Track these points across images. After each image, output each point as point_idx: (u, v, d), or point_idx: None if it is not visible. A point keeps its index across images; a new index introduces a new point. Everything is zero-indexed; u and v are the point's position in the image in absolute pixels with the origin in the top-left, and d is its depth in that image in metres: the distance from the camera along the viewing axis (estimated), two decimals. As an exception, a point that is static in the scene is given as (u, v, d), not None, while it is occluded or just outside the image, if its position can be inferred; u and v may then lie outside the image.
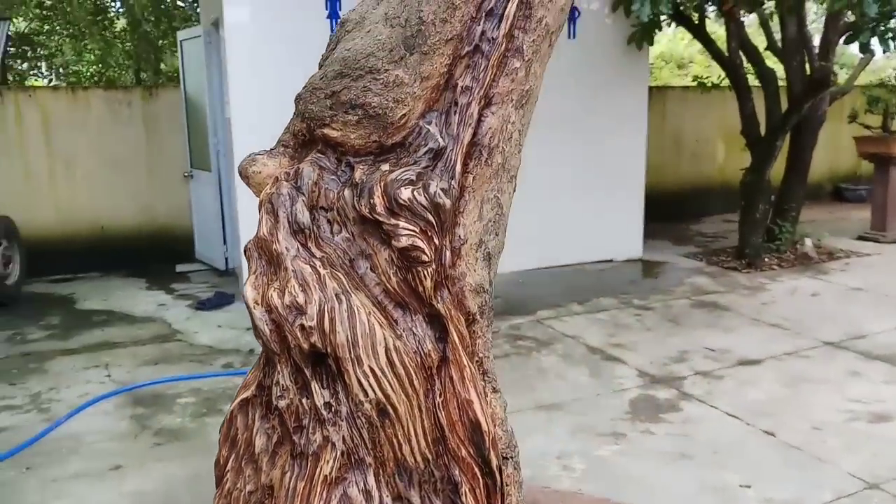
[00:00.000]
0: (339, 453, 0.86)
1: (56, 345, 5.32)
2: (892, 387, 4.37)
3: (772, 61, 7.84)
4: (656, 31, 7.26)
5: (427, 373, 0.86)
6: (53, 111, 7.41)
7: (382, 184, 0.84)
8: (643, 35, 7.05)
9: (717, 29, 10.74)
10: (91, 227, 7.62)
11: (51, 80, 14.49)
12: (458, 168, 0.88)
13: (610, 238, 7.66)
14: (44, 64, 14.66)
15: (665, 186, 9.91)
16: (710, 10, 7.69)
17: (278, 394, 0.88)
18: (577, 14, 7.04)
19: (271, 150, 0.96)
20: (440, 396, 0.87)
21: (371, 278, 0.87)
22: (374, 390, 0.84)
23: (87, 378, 4.64)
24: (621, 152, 7.54)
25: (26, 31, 13.27)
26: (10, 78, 12.07)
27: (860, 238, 8.50)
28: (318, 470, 0.84)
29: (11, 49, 12.08)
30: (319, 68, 0.97)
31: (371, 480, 0.85)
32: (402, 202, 0.85)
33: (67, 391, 4.43)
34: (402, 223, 0.84)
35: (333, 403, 0.85)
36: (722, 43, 7.71)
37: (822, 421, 3.94)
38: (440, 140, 0.86)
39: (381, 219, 0.85)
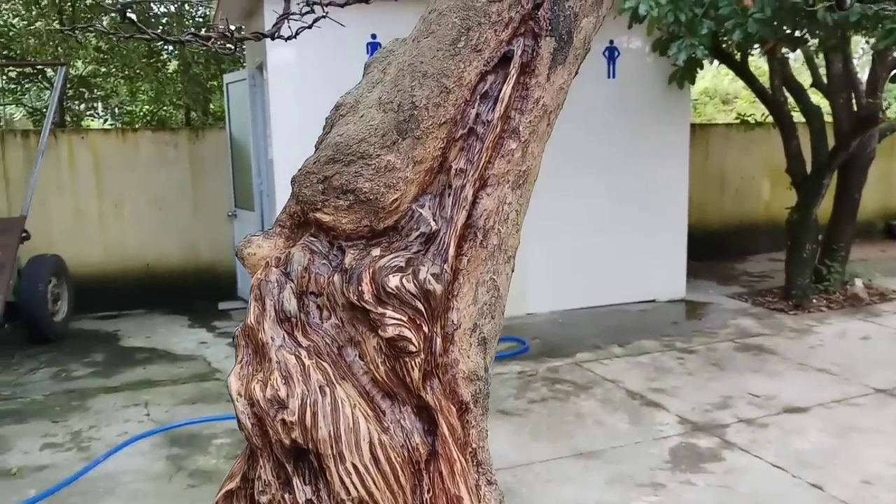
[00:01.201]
0: None
1: (99, 382, 5.41)
2: (949, 439, 4.18)
3: (818, 98, 7.70)
4: (698, 69, 7.19)
5: (415, 468, 0.84)
6: (104, 152, 7.65)
7: (371, 270, 0.83)
8: (684, 74, 6.99)
9: (761, 65, 10.62)
10: (137, 264, 7.79)
11: (106, 120, 14.96)
12: (452, 251, 0.87)
13: (652, 277, 7.54)
14: (100, 104, 15.17)
15: (709, 224, 9.76)
16: (753, 48, 7.60)
17: (260, 489, 0.87)
18: (617, 54, 7.04)
19: (268, 230, 0.97)
20: (428, 493, 0.84)
21: (359, 366, 0.85)
22: (356, 488, 0.82)
23: (127, 417, 4.70)
24: (663, 190, 7.45)
25: (84, 73, 13.78)
26: (68, 119, 12.53)
27: (914, 278, 8.22)
28: None
29: (70, 91, 12.55)
30: (315, 150, 0.98)
31: None
32: (390, 290, 0.83)
33: (107, 429, 4.49)
34: (389, 312, 0.82)
35: (315, 501, 0.83)
36: (766, 80, 7.61)
37: (873, 474, 3.78)
38: (432, 224, 0.85)
39: (368, 307, 0.83)
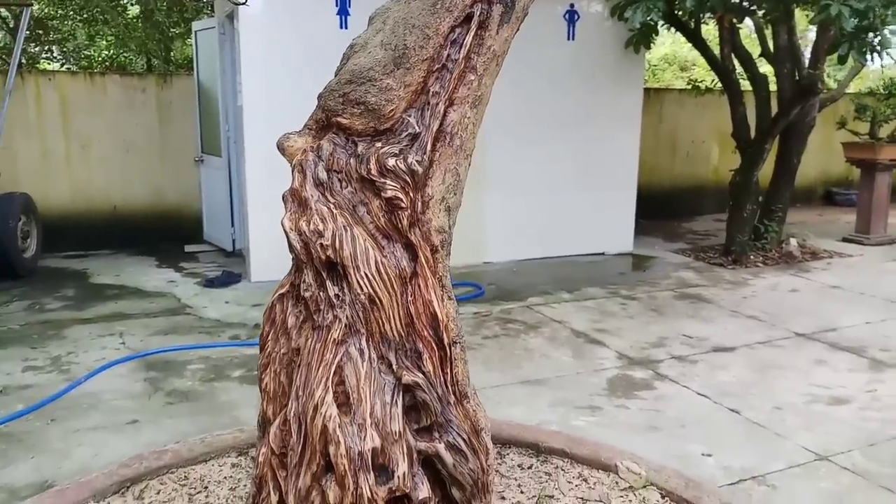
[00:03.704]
0: (343, 325, 1.22)
1: (72, 314, 5.64)
2: (854, 374, 4.68)
3: (767, 68, 8.14)
4: (654, 35, 7.56)
5: (402, 281, 1.24)
6: (71, 95, 7.74)
7: (376, 156, 1.23)
8: (640, 39, 7.36)
9: (716, 33, 11.01)
10: (104, 206, 7.95)
11: (63, 64, 14.77)
12: (429, 147, 1.25)
13: (603, 232, 7.98)
14: (55, 48, 14.95)
15: (660, 186, 10.23)
16: (706, 16, 7.99)
17: (304, 288, 1.24)
18: (577, 17, 7.35)
19: (299, 131, 1.33)
20: (411, 296, 1.24)
21: (367, 219, 1.24)
22: (367, 287, 1.20)
23: (103, 344, 4.96)
24: (616, 150, 7.85)
25: (40, 15, 13.57)
26: (23, 61, 12.37)
27: (844, 240, 8.81)
28: (329, 336, 1.20)
29: (27, 33, 12.39)
30: (335, 76, 1.34)
31: (364, 343, 1.22)
32: (389, 168, 1.23)
33: (85, 355, 4.75)
34: (388, 182, 1.22)
35: (340, 294, 1.20)
36: (718, 48, 8.02)
37: (784, 402, 4.24)
38: (416, 128, 1.24)
39: (374, 178, 1.23)
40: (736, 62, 7.85)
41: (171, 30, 13.13)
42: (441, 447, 1.29)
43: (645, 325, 5.62)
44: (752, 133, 7.84)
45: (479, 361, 4.79)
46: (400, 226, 1.29)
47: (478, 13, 1.36)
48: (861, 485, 3.31)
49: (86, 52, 15.13)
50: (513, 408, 4.10)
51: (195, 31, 8.11)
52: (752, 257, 7.69)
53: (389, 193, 1.27)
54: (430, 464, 1.30)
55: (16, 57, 7.25)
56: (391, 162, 1.28)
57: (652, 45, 7.97)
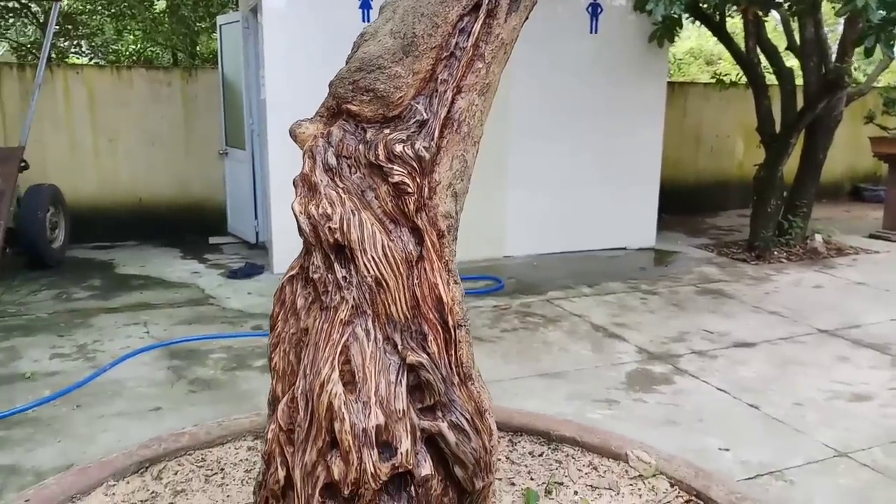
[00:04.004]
0: (350, 307, 1.26)
1: (98, 303, 5.75)
2: (876, 371, 4.63)
3: (794, 62, 8.05)
4: (678, 28, 7.51)
5: (409, 264, 1.27)
6: (98, 89, 7.86)
7: (384, 142, 1.26)
8: (664, 32, 7.31)
9: (741, 27, 10.90)
10: (131, 198, 8.07)
11: (91, 58, 14.99)
12: (437, 134, 1.29)
13: (625, 227, 7.95)
14: (84, 42, 15.17)
15: (683, 180, 10.17)
16: (731, 8, 7.91)
17: (313, 270, 1.28)
18: (599, 10, 7.32)
19: (311, 118, 1.37)
20: (417, 279, 1.27)
21: (375, 203, 1.28)
22: (374, 270, 1.24)
23: (128, 333, 5.05)
24: (639, 145, 7.82)
25: (69, 10, 13.78)
26: (53, 55, 12.58)
27: (871, 236, 8.69)
28: (336, 317, 1.24)
29: (56, 27, 12.59)
30: (346, 64, 1.38)
31: (370, 324, 1.25)
32: (396, 154, 1.26)
33: (110, 343, 4.84)
34: (395, 167, 1.26)
35: (348, 276, 1.24)
36: (743, 41, 7.94)
37: (805, 398, 4.21)
38: (424, 115, 1.27)
39: (382, 164, 1.27)
40: (762, 55, 7.77)
41: (197, 24, 13.27)
42: (444, 426, 1.31)
43: (665, 319, 5.60)
44: (777, 127, 7.76)
45: (497, 354, 4.81)
46: (406, 210, 1.32)
47: (486, 2, 1.38)
48: (881, 482, 3.29)
49: (113, 47, 15.34)
50: (530, 400, 4.11)
51: (219, 26, 8.19)
52: (775, 253, 7.62)
53: (396, 178, 1.30)
54: (433, 443, 1.32)
55: (45, 51, 7.38)
56: (398, 148, 1.31)
57: (676, 38, 7.91)
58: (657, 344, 5.06)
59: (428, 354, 1.28)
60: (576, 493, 1.95)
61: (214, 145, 8.20)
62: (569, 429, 2.27)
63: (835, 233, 8.41)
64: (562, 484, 1.98)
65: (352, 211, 1.28)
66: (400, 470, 1.25)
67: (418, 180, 1.30)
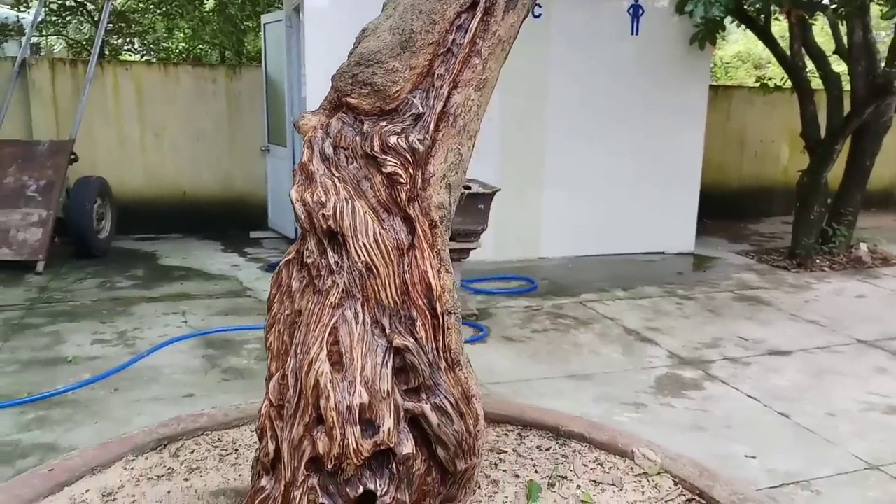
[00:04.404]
0: (340, 290, 1.31)
1: (140, 293, 5.92)
2: (916, 384, 4.52)
3: (842, 66, 7.87)
4: (720, 31, 7.41)
5: (400, 252, 1.32)
6: (146, 84, 8.08)
7: (380, 133, 1.32)
8: (706, 35, 7.23)
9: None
10: (175, 192, 8.28)
11: (142, 56, 15.38)
12: (432, 127, 1.34)
13: (663, 231, 7.87)
14: (136, 40, 15.57)
15: (726, 185, 10.02)
16: (776, 11, 7.78)
17: (307, 255, 1.34)
18: (641, 11, 7.27)
19: (315, 111, 1.43)
20: (407, 266, 1.32)
21: (370, 193, 1.33)
22: (365, 256, 1.29)
23: (167, 322, 5.20)
24: (679, 148, 7.74)
25: (122, 8, 14.16)
26: (107, 52, 12.95)
27: (920, 247, 8.45)
28: (327, 299, 1.29)
29: (109, 25, 12.95)
30: (347, 59, 1.43)
31: (359, 307, 1.30)
32: (391, 145, 1.32)
33: (149, 331, 4.99)
34: (389, 158, 1.31)
35: (339, 261, 1.29)
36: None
37: (838, 409, 4.13)
38: (420, 108, 1.32)
39: (377, 155, 1.33)
40: (808, 59, 7.62)
41: (244, 23, 13.52)
42: (427, 408, 1.35)
43: (700, 325, 5.54)
44: (823, 133, 7.60)
45: (526, 354, 4.83)
46: (399, 200, 1.36)
47: (483, 0, 1.42)
48: (911, 495, 3.22)
49: (164, 45, 15.72)
50: (557, 401, 4.11)
51: (264, 24, 8.35)
52: (818, 261, 7.47)
53: (389, 169, 1.35)
54: (417, 424, 1.36)
55: (96, 48, 7.63)
56: (393, 140, 1.36)
57: (723, 41, 7.81)
58: (689, 349, 5.01)
59: (415, 339, 1.32)
60: (578, 487, 1.96)
61: (257, 142, 8.36)
62: (578, 425, 2.28)
63: (881, 242, 8.21)
64: (565, 478, 1.99)
65: (346, 199, 1.33)
66: (382, 447, 1.29)
67: (411, 171, 1.34)
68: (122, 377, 4.21)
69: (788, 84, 8.20)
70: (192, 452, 2.20)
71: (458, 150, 1.39)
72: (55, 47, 15.31)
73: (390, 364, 1.31)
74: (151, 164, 8.19)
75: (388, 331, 1.31)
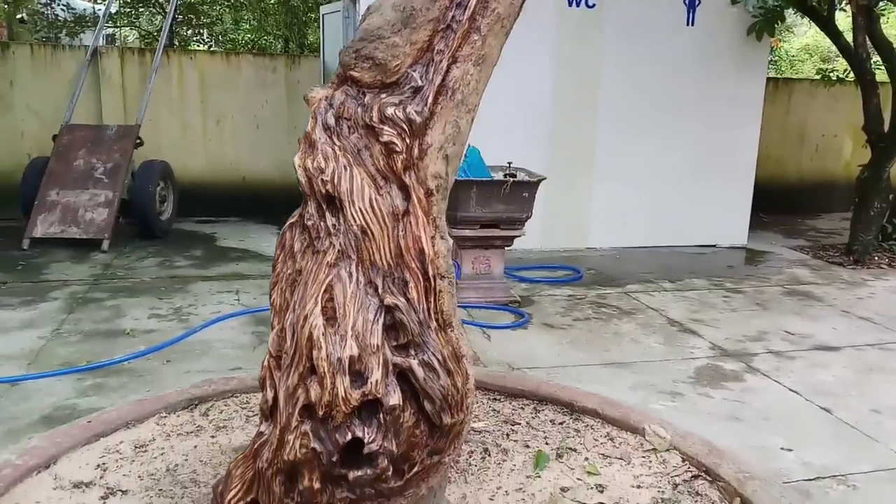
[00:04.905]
0: (336, 251, 1.40)
1: (197, 272, 6.17)
2: (967, 383, 4.39)
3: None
4: (779, 22, 7.25)
5: (395, 217, 1.41)
6: (209, 73, 8.36)
7: (379, 105, 1.41)
8: (764, 25, 7.09)
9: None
10: (235, 177, 8.55)
11: (210, 47, 15.83)
12: (431, 100, 1.42)
13: (715, 224, 7.77)
14: (205, 31, 16.04)
15: (784, 179, 9.79)
16: (843, 2, 7.57)
17: (307, 218, 1.44)
18: (697, 2, 7.17)
19: (324, 85, 1.54)
20: (402, 231, 1.40)
21: (368, 161, 1.42)
22: (360, 219, 1.39)
23: (220, 300, 5.41)
24: (734, 141, 7.62)
25: (192, 0, 14.62)
26: (176, 43, 13.40)
27: None
28: (324, 259, 1.38)
29: (179, 17, 13.40)
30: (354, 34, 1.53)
31: (353, 268, 1.39)
32: (388, 116, 1.41)
33: (203, 308, 5.20)
34: (386, 128, 1.40)
35: (337, 224, 1.39)
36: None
37: (884, 406, 4.05)
38: (419, 82, 1.41)
39: (375, 125, 1.41)
40: (874, 52, 7.39)
41: (307, 15, 13.80)
42: (414, 363, 1.43)
43: (746, 318, 5.48)
44: (886, 127, 7.37)
45: (566, 341, 4.86)
46: (395, 168, 1.45)
47: None
48: (951, 493, 3.16)
49: (231, 36, 16.15)
50: (593, 387, 4.13)
51: (322, 14, 8.53)
52: (876, 258, 7.26)
53: (386, 138, 1.43)
54: (408, 381, 1.45)
55: (163, 37, 7.93)
56: (390, 110, 1.44)
57: (789, 32, 7.64)
58: (733, 342, 4.97)
59: (407, 299, 1.41)
60: (586, 459, 2.02)
61: (313, 129, 8.55)
62: (592, 401, 2.33)
63: (946, 240, 7.90)
64: (574, 450, 2.05)
65: (344, 166, 1.42)
66: (370, 397, 1.38)
67: (408, 141, 1.43)
68: (175, 350, 4.42)
69: (851, 76, 7.96)
70: (221, 413, 2.34)
71: (457, 123, 1.47)
72: (128, 38, 15.90)
73: (381, 321, 1.40)
74: (212, 150, 8.48)
75: (380, 290, 1.40)
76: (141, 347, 4.40)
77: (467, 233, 5.25)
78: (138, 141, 7.30)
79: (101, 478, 2.03)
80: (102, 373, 4.04)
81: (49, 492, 1.95)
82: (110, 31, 13.85)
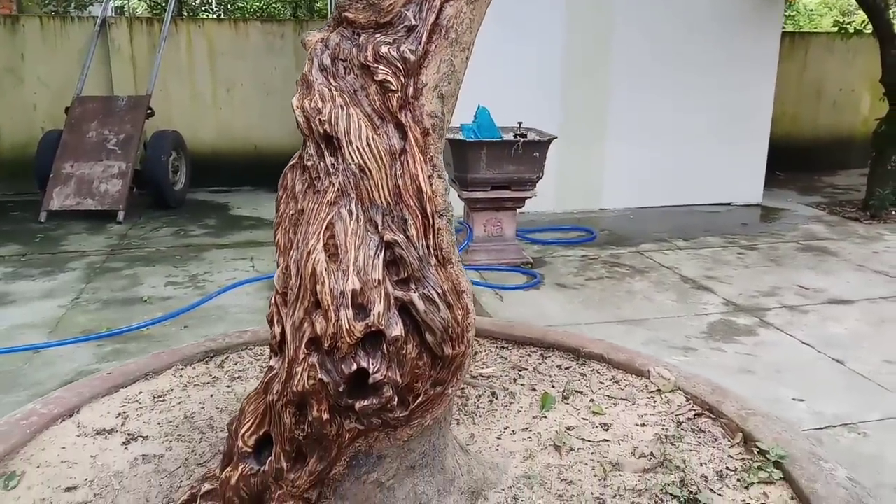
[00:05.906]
0: (336, 189, 1.42)
1: (211, 240, 6.22)
2: (983, 334, 4.38)
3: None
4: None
5: (392, 156, 1.43)
6: (218, 41, 8.34)
7: (373, 44, 1.42)
8: (778, -23, 6.95)
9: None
10: (246, 145, 8.57)
11: (219, 15, 15.76)
12: (424, 38, 1.43)
13: (730, 182, 7.71)
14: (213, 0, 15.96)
15: (800, 136, 9.68)
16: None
17: (307, 158, 1.46)
18: (710, -45, 7.05)
19: (321, 28, 1.55)
20: (400, 170, 1.42)
21: (365, 101, 1.44)
22: (358, 158, 1.41)
23: (235, 267, 5.47)
24: (749, 99, 7.53)
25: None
26: (184, 12, 13.36)
27: None
28: (324, 198, 1.41)
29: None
30: None
31: (353, 205, 1.42)
32: (382, 55, 1.42)
33: (219, 275, 5.27)
34: (381, 67, 1.42)
35: (335, 163, 1.41)
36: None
37: (896, 357, 4.06)
38: (413, 21, 1.42)
39: (370, 65, 1.43)
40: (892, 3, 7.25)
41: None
42: (415, 296, 1.46)
43: (760, 274, 5.47)
44: (904, 79, 7.25)
45: (578, 301, 4.88)
46: (391, 107, 1.46)
47: None
48: (962, 440, 3.17)
49: (239, 4, 16.06)
50: (604, 343, 4.17)
51: (330, -21, 8.47)
52: (893, 212, 7.20)
53: (381, 77, 1.44)
54: (410, 315, 1.48)
55: (170, 6, 7.92)
56: (384, 49, 1.45)
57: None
58: (746, 297, 4.97)
59: (406, 236, 1.43)
60: (592, 400, 2.05)
61: (323, 96, 8.53)
62: (598, 347, 2.35)
63: (965, 194, 7.80)
64: (580, 392, 2.08)
65: (341, 106, 1.44)
66: (373, 329, 1.41)
67: (402, 80, 1.44)
68: (191, 316, 4.49)
69: (869, 29, 7.81)
70: (236, 364, 2.39)
71: (451, 62, 1.47)
72: (137, 9, 15.86)
73: (382, 256, 1.42)
74: (223, 119, 8.49)
75: (380, 227, 1.42)
76: (158, 314, 4.47)
77: (478, 194, 5.25)
78: (149, 111, 7.32)
79: (122, 425, 2.10)
80: (121, 339, 4.12)
81: (73, 438, 2.02)
82: (118, 1, 13.82)
